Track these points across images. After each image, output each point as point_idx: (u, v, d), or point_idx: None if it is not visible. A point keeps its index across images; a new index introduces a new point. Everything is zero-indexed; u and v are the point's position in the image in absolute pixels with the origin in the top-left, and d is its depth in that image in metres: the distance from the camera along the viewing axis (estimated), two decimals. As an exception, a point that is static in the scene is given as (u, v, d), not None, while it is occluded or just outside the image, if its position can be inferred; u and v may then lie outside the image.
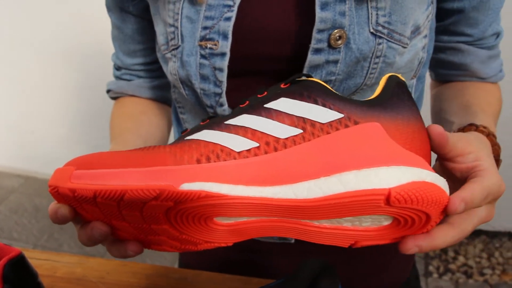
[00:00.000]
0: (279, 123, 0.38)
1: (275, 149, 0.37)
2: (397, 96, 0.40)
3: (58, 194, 0.38)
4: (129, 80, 0.69)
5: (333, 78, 0.50)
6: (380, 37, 0.49)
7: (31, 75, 2.17)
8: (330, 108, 0.39)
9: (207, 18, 0.51)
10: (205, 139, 0.38)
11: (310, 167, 0.36)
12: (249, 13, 0.51)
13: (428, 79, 0.65)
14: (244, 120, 0.39)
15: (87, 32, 2.00)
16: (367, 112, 0.39)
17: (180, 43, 0.53)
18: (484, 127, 0.48)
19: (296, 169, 0.36)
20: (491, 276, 1.74)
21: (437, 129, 0.40)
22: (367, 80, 0.51)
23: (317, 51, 0.49)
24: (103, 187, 0.35)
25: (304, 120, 0.38)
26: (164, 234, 0.39)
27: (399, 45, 0.50)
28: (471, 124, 0.49)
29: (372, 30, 0.49)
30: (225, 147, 0.37)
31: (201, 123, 0.41)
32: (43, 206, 2.17)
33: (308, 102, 0.39)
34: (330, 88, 0.40)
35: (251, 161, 0.37)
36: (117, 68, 0.70)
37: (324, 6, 0.48)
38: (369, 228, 0.39)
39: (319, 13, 0.48)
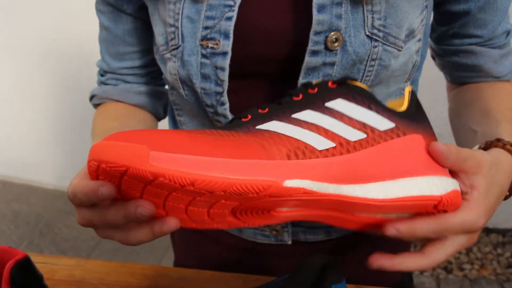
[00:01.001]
0: (346, 125, 0.41)
1: (348, 151, 0.40)
2: (419, 111, 0.45)
3: (126, 174, 0.35)
4: (115, 85, 0.68)
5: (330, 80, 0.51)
6: (376, 40, 0.51)
7: (7, 79, 2.14)
8: (383, 117, 0.42)
9: (208, 18, 0.51)
10: (284, 133, 0.39)
11: (379, 170, 0.40)
12: (249, 14, 0.51)
13: (420, 83, 0.67)
14: (311, 116, 0.40)
15: (65, 34, 1.98)
16: (409, 124, 0.43)
17: (180, 43, 0.53)
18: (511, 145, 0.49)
19: (368, 170, 0.40)
20: (470, 271, 1.79)
21: (436, 147, 0.43)
22: (363, 83, 0.53)
23: (314, 53, 0.50)
24: (205, 178, 0.33)
25: (364, 125, 0.41)
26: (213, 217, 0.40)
27: (394, 48, 0.52)
28: (498, 140, 0.50)
29: (368, 33, 0.50)
30: (309, 144, 0.39)
31: (260, 111, 0.41)
32: (23, 212, 2.14)
33: (363, 107, 0.42)
34: (375, 96, 0.43)
35: (333, 160, 0.39)
36: (102, 73, 0.69)
37: (321, 9, 0.49)
38: (396, 218, 0.44)
39: (316, 16, 0.49)
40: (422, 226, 0.42)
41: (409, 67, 0.56)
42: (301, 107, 0.41)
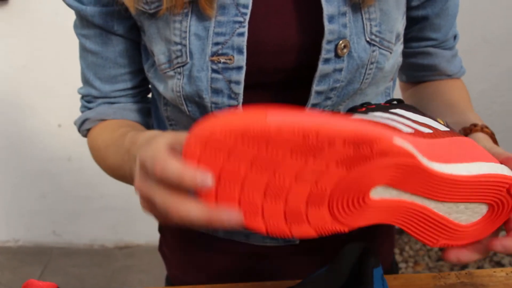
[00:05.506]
0: (414, 123, 0.46)
1: (426, 138, 0.45)
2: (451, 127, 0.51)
3: (242, 139, 0.35)
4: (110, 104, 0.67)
5: (338, 85, 0.55)
6: (374, 45, 0.55)
7: None
8: (437, 122, 0.48)
9: (217, 34, 0.53)
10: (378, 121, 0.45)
11: (459, 154, 0.45)
12: (259, 28, 0.54)
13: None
14: (384, 115, 0.46)
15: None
16: (455, 133, 0.49)
17: (188, 60, 0.54)
18: (487, 127, 0.55)
19: (450, 153, 0.44)
20: (406, 268, 1.90)
21: None
22: (362, 85, 0.57)
23: (326, 61, 0.54)
24: (329, 126, 0.35)
25: (427, 125, 0.47)
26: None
27: (388, 51, 0.57)
28: (474, 125, 0.56)
29: (368, 39, 0.55)
30: (398, 129, 0.44)
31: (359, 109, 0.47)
32: None
33: (420, 114, 0.48)
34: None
35: (421, 140, 0.44)
36: (89, 100, 0.67)
37: (331, 19, 0.53)
38: (462, 224, 0.47)
39: (327, 26, 0.52)
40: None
41: (395, 68, 0.62)
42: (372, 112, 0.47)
